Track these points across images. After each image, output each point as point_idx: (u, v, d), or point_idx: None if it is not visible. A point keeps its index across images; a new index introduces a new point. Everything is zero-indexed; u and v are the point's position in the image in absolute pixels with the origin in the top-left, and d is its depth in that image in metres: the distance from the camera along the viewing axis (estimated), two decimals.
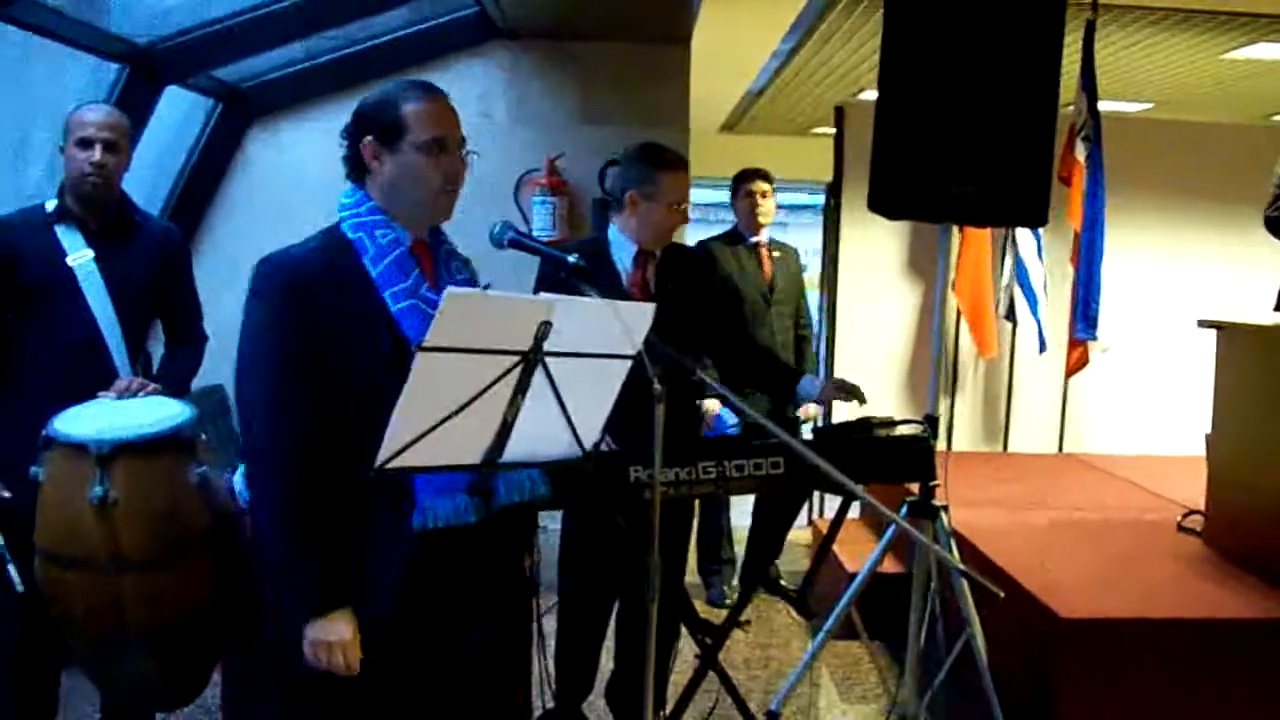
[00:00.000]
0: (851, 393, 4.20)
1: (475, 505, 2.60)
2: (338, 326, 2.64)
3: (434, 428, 2.28)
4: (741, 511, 6.85)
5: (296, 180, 6.97)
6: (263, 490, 2.71)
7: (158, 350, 4.28)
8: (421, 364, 2.22)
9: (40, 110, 5.83)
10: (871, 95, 4.12)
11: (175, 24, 5.72)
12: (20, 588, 3.56)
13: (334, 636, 2.60)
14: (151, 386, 3.81)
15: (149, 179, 6.28)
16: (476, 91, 7.02)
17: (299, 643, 2.64)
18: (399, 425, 2.25)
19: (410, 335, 2.57)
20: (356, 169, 2.83)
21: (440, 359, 2.22)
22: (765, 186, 6.61)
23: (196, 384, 4.35)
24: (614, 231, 4.37)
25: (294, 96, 7.00)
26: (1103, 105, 7.31)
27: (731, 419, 5.87)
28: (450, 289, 2.26)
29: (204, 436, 3.68)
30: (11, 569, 3.57)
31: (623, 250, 4.33)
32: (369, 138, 2.78)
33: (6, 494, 3.60)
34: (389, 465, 2.29)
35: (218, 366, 4.35)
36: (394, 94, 2.80)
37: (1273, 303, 5.78)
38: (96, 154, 3.83)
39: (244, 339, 2.71)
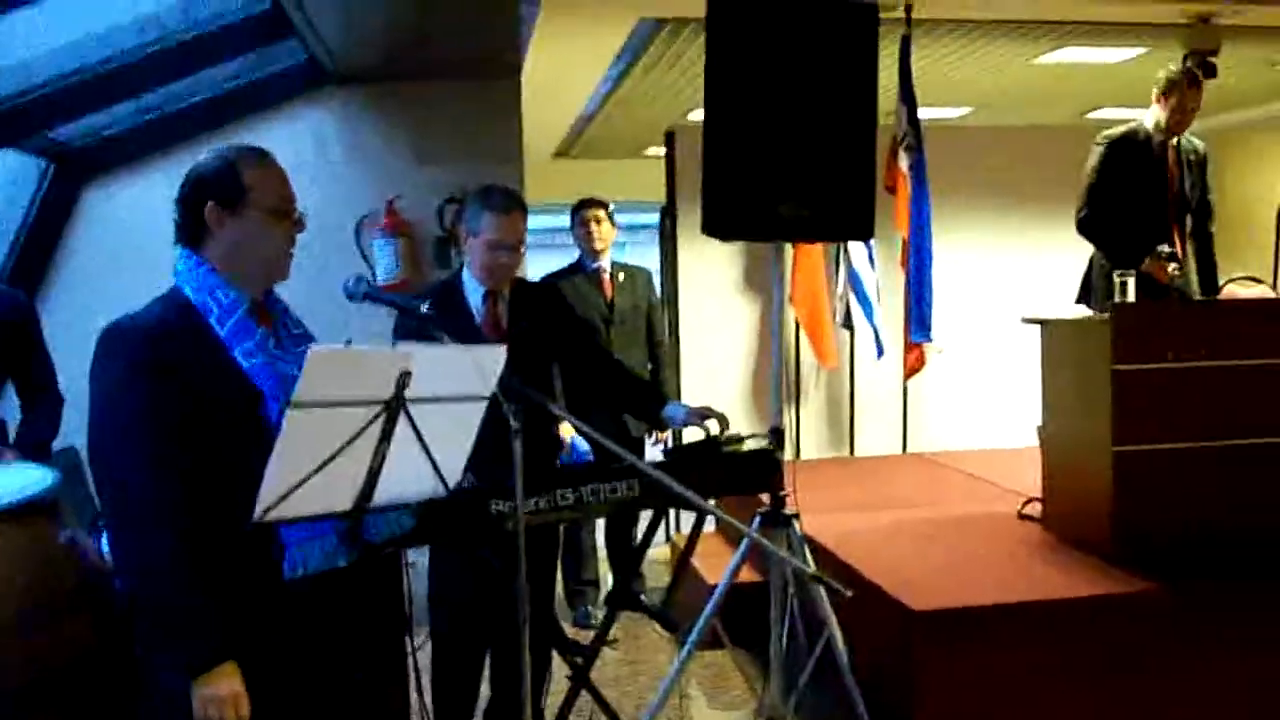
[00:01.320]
0: (718, 419, 4.33)
1: (344, 550, 2.68)
2: (193, 386, 2.66)
3: (307, 478, 2.37)
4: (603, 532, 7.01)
5: (139, 236, 6.92)
6: (141, 552, 2.68)
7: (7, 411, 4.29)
8: (291, 420, 2.31)
9: None
10: (698, 116, 4.25)
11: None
12: None
13: (224, 690, 2.62)
14: (10, 454, 3.84)
15: None
16: (311, 136, 7.08)
17: (183, 701, 2.65)
18: (274, 478, 2.34)
19: (264, 389, 2.63)
20: (191, 233, 2.83)
21: (308, 413, 2.32)
22: (600, 214, 6.76)
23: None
24: (466, 274, 4.46)
25: (130, 153, 6.97)
26: (924, 112, 7.56)
27: (585, 445, 6.00)
28: (314, 347, 2.37)
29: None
30: None
31: (474, 292, 4.43)
32: (211, 203, 2.79)
33: None
34: (267, 517, 2.37)
35: (68, 426, 4.38)
36: (233, 159, 2.83)
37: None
38: None
39: (99, 408, 2.71)
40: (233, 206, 2.79)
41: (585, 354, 4.65)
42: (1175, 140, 6.02)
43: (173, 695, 2.67)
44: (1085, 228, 6.03)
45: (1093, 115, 10.53)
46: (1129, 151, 5.99)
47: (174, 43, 5.89)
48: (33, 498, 3.55)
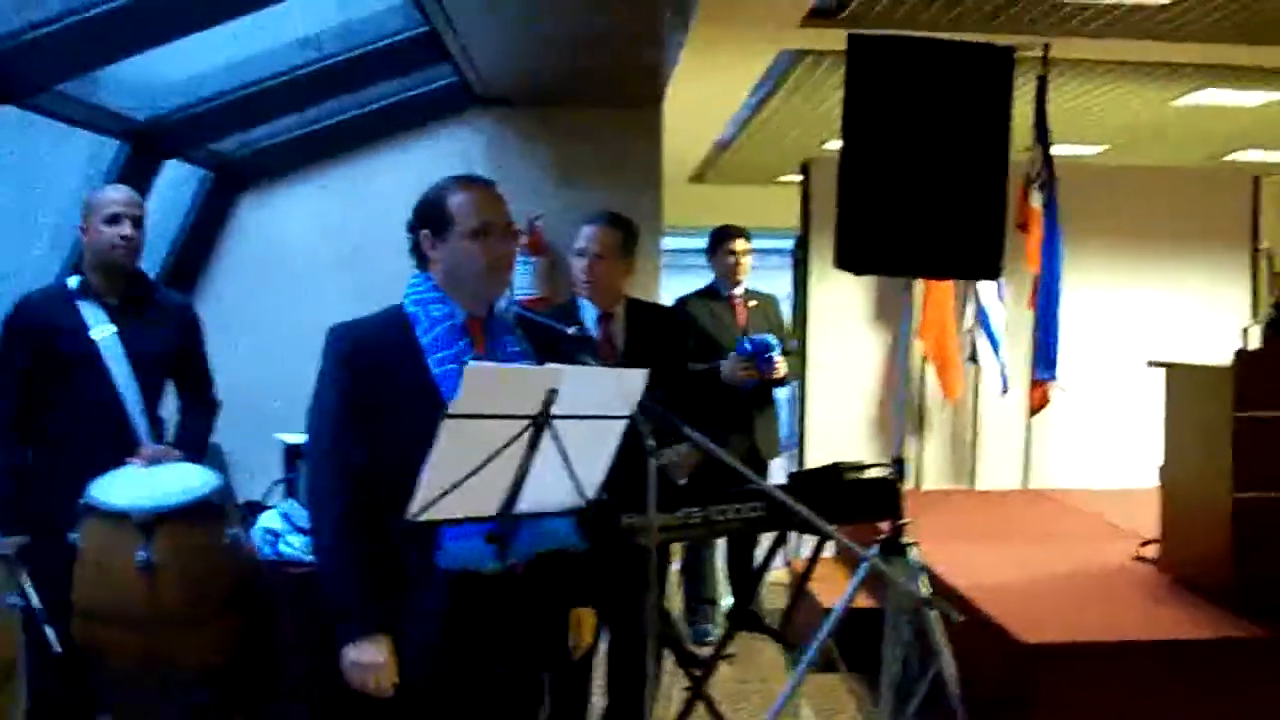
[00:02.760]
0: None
1: (494, 552, 2.86)
2: (386, 387, 2.95)
3: (458, 484, 2.56)
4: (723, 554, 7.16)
5: (286, 245, 7.27)
6: (316, 526, 3.09)
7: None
8: (447, 429, 2.51)
9: (38, 188, 6.00)
10: (834, 146, 4.37)
11: (169, 99, 5.93)
12: (58, 649, 3.79)
13: (367, 658, 2.90)
14: (175, 453, 4.08)
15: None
16: (457, 156, 7.26)
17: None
18: (428, 481, 2.54)
19: (448, 398, 2.77)
20: (420, 258, 3.14)
21: (462, 424, 2.52)
22: (744, 245, 6.91)
23: None
24: (580, 296, 4.69)
25: (284, 165, 7.29)
26: (1059, 149, 7.58)
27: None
28: (471, 363, 2.61)
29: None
30: (49, 630, 3.83)
31: (588, 312, 4.65)
32: (425, 231, 3.10)
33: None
34: (421, 516, 2.57)
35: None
36: (441, 189, 3.11)
37: (1226, 338, 6.06)
38: (125, 228, 4.11)
39: (312, 395, 3.04)
40: (441, 233, 3.08)
41: (694, 375, 4.79)
42: None
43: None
44: None
45: (1228, 158, 10.47)
46: None
47: (332, 63, 6.12)
48: (201, 498, 3.81)
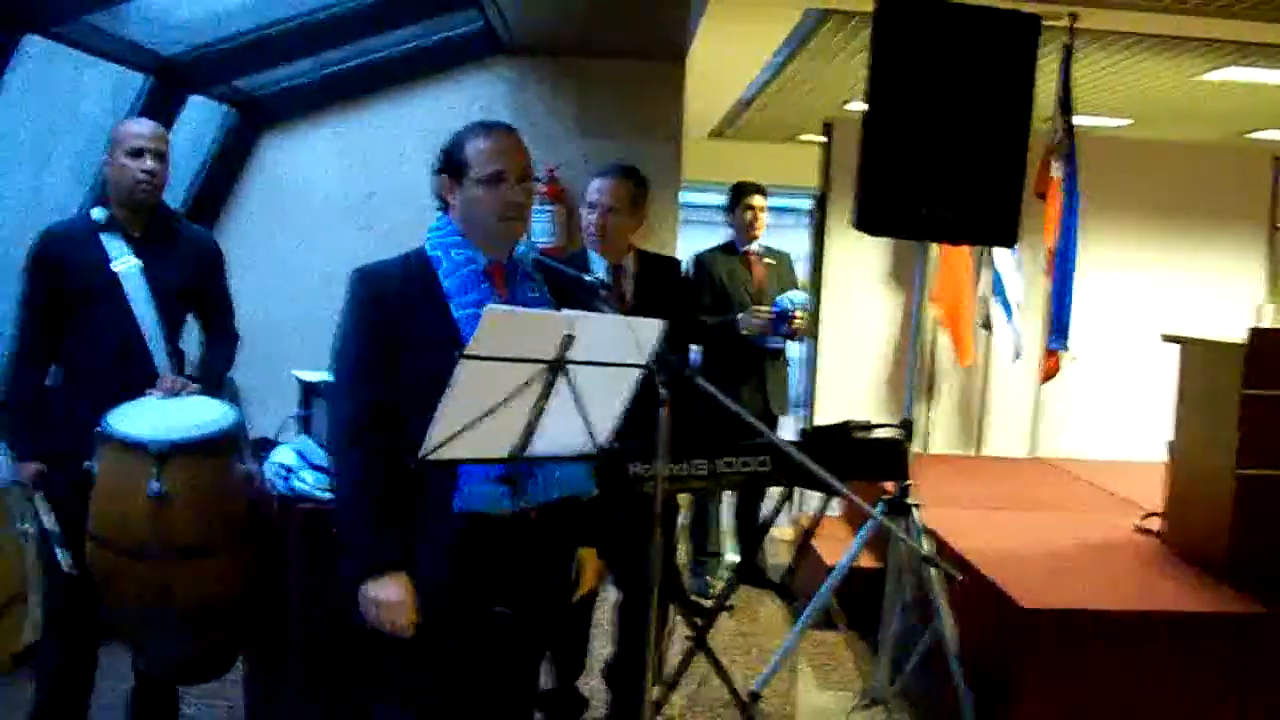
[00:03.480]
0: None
1: (508, 494, 2.91)
2: (408, 329, 2.99)
3: (470, 425, 2.60)
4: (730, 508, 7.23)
5: (306, 185, 7.30)
6: (337, 464, 3.15)
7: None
8: (462, 370, 2.54)
9: (60, 118, 6.00)
10: (857, 106, 4.37)
11: (195, 35, 5.94)
12: (69, 569, 3.90)
13: (387, 595, 2.93)
14: (193, 386, 4.12)
15: None
16: (480, 103, 7.31)
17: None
18: (441, 421, 2.58)
19: (467, 340, 2.79)
20: (441, 199, 3.18)
21: (479, 366, 2.55)
22: (761, 202, 6.98)
23: None
24: (589, 247, 4.75)
25: (306, 106, 7.30)
26: (1082, 120, 7.58)
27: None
28: (489, 305, 2.63)
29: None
30: (60, 552, 3.91)
31: (597, 263, 4.71)
32: (444, 175, 3.14)
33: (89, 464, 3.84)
34: (430, 456, 2.61)
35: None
36: (462, 134, 3.14)
37: (1240, 316, 6.08)
38: (148, 162, 4.13)
39: (335, 336, 3.10)
40: (457, 178, 3.11)
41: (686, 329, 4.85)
42: None
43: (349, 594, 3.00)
44: None
45: (1252, 135, 10.43)
46: None
47: (358, 5, 6.13)
48: (218, 432, 3.86)
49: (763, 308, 6.52)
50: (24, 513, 3.80)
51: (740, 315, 6.47)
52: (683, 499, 6.09)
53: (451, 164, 3.12)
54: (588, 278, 3.13)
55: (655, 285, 4.77)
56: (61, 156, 5.95)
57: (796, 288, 7.12)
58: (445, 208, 3.18)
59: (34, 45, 4.81)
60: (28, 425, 4.13)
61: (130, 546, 3.69)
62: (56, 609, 4.17)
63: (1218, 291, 8.27)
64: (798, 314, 6.52)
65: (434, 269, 3.09)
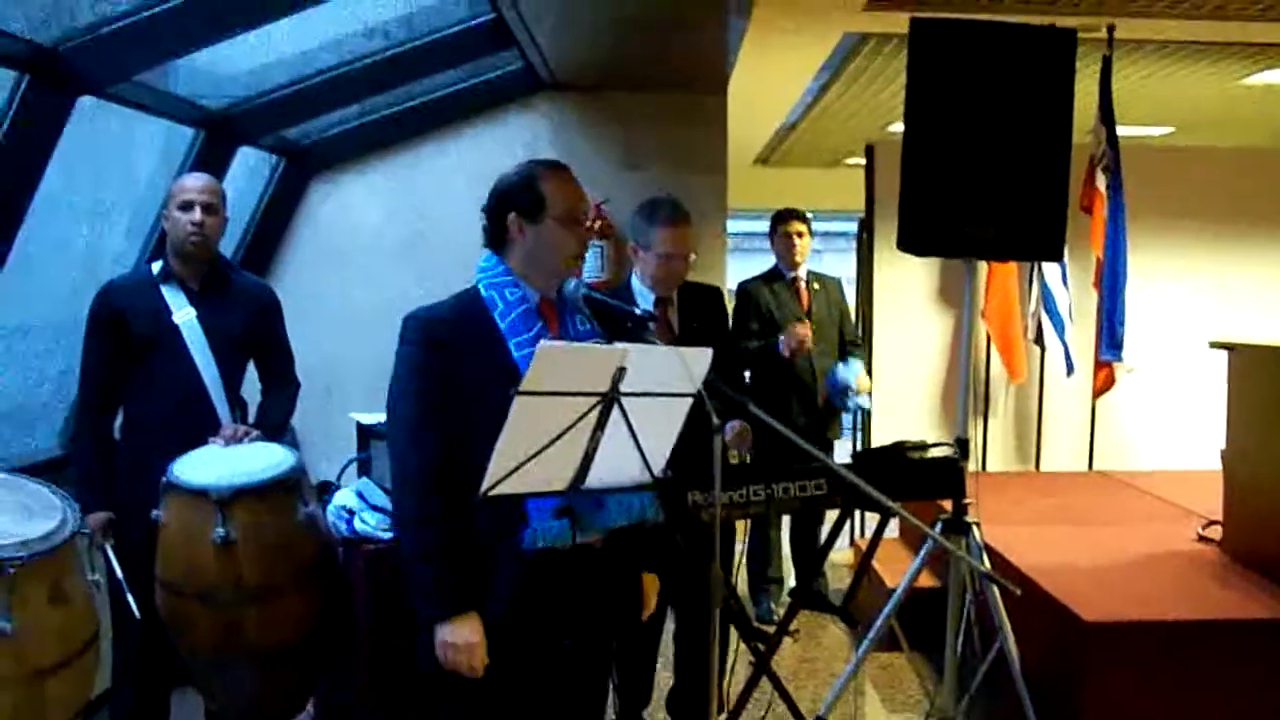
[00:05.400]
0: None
1: (568, 526, 2.95)
2: (467, 370, 3.02)
3: (528, 459, 2.64)
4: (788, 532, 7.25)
5: (356, 229, 7.42)
6: (401, 509, 3.13)
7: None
8: (518, 406, 2.58)
9: (115, 175, 6.08)
10: (898, 128, 4.41)
11: (238, 89, 6.05)
12: (139, 615, 3.97)
13: (459, 639, 2.96)
14: (254, 433, 4.20)
15: None
16: (524, 140, 7.41)
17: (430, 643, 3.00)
18: (499, 458, 2.61)
19: None
20: (495, 238, 3.19)
21: (533, 401, 2.59)
22: (801, 227, 6.98)
23: None
24: (635, 280, 4.76)
25: (353, 151, 7.42)
26: (1125, 130, 7.56)
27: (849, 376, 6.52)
28: (542, 342, 2.68)
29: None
30: (130, 599, 3.98)
31: (644, 297, 4.72)
32: (513, 213, 3.14)
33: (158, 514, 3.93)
34: (491, 492, 2.65)
35: None
36: (533, 172, 3.17)
37: None
38: (197, 215, 4.22)
39: (391, 381, 3.10)
40: (532, 216, 3.13)
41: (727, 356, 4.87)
42: None
43: (423, 637, 3.02)
44: None
45: None
46: None
47: (399, 51, 6.21)
48: (280, 476, 3.93)
49: (800, 325, 6.53)
50: (93, 562, 3.88)
51: (782, 337, 6.47)
52: (739, 526, 6.12)
53: (527, 202, 3.13)
54: (637, 310, 3.17)
55: (699, 314, 4.80)
56: (118, 213, 6.02)
57: (846, 312, 7.15)
58: (496, 246, 3.20)
59: (85, 103, 4.89)
60: (96, 477, 4.22)
61: (199, 591, 3.78)
62: (128, 656, 4.25)
63: (1268, 297, 8.23)
64: (855, 383, 6.61)
65: (489, 309, 3.11)
